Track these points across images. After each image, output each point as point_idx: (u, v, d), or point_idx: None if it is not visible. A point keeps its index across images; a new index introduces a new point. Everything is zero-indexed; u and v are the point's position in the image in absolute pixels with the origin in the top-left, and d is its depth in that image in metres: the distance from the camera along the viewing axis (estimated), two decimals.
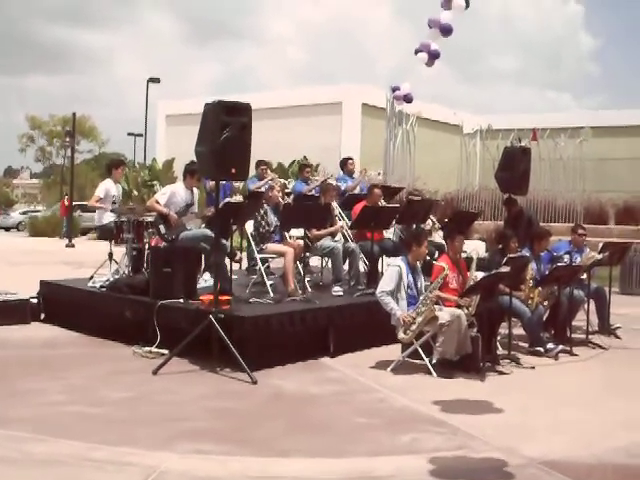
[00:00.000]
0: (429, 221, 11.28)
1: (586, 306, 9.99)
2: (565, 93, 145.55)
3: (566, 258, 9.49)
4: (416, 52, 19.17)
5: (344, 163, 13.04)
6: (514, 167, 10.97)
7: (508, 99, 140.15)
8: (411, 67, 20.82)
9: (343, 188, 12.16)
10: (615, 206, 23.83)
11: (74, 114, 34.00)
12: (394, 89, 21.80)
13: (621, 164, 29.25)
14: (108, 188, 10.66)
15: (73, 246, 26.46)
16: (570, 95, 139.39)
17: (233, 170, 7.59)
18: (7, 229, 47.78)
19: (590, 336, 9.77)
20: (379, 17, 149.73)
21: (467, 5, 17.34)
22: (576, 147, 24.54)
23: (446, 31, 18.55)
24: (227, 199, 10.10)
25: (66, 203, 33.17)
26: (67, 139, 34.88)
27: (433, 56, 19.16)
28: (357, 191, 12.19)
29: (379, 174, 13.05)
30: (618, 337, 10.21)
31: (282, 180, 12.02)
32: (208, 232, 9.20)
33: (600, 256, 9.88)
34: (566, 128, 25.62)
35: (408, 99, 21.61)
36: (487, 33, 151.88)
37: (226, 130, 7.41)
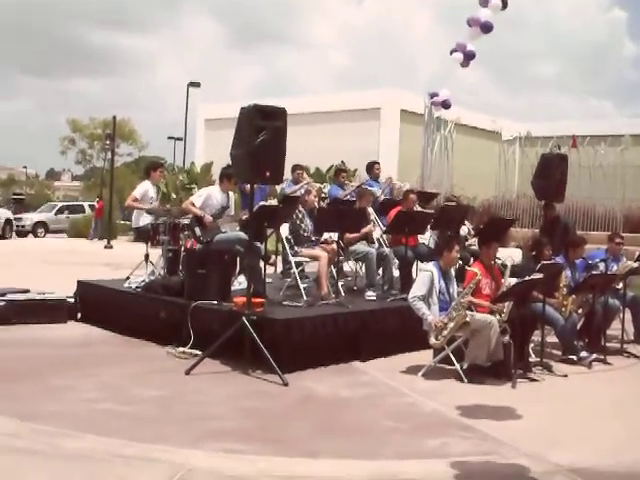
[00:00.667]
0: (465, 227, 11.26)
1: (621, 315, 9.90)
2: (606, 100, 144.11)
3: (601, 266, 9.41)
4: (451, 52, 19.10)
5: (370, 167, 13.05)
6: (551, 174, 10.92)
7: (548, 106, 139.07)
8: (450, 73, 20.79)
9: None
10: None
11: (114, 117, 34.35)
12: (432, 95, 21.79)
13: None
14: (146, 190, 10.76)
15: (111, 247, 26.74)
16: (611, 103, 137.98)
17: (267, 174, 7.65)
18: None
19: (625, 345, 9.69)
20: (420, 22, 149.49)
21: (504, 5, 17.23)
22: (616, 155, 24.31)
23: (487, 28, 18.40)
24: (262, 202, 10.17)
25: (96, 205, 33.81)
26: (107, 142, 35.23)
27: (469, 57, 19.07)
28: (382, 197, 12.15)
29: (405, 184, 13.03)
30: None
31: (317, 184, 12.06)
32: (242, 235, 9.28)
33: (636, 264, 9.80)
34: (606, 136, 25.40)
35: (446, 105, 21.58)
36: (529, 39, 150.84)
37: (261, 134, 7.48)
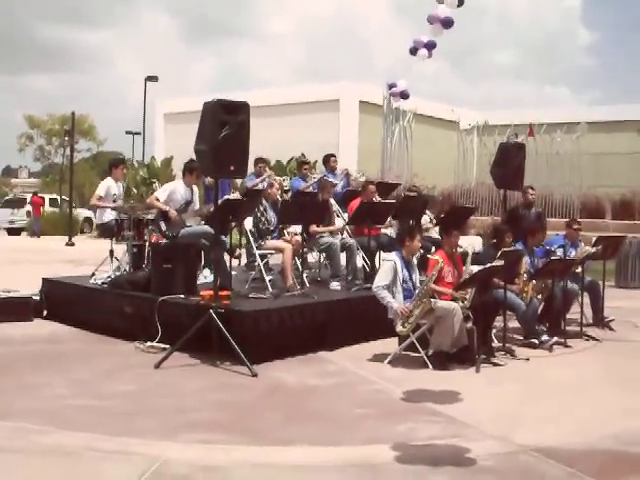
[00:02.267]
0: (426, 217, 11.42)
1: (580, 299, 10.14)
2: (562, 87, 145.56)
3: (560, 252, 9.63)
4: (413, 51, 19.17)
5: (327, 160, 13.17)
6: (508, 163, 11.10)
7: (506, 95, 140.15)
8: (408, 64, 20.88)
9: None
10: (612, 201, 24.01)
11: (73, 113, 34.00)
12: (390, 86, 21.94)
13: (618, 159, 29.35)
14: (109, 186, 10.75)
15: (73, 244, 26.56)
16: (568, 90, 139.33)
17: (232, 168, 7.75)
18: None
19: (584, 328, 9.92)
20: (378, 13, 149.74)
21: (460, 3, 17.37)
22: (573, 142, 24.70)
23: (447, 23, 18.51)
24: (226, 196, 10.24)
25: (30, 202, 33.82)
26: (66, 138, 34.96)
27: (430, 47, 19.16)
28: (339, 189, 12.28)
29: (362, 175, 13.20)
30: (612, 329, 10.37)
31: (279, 178, 12.14)
32: (207, 229, 9.35)
33: (593, 250, 10.04)
34: (563, 123, 25.78)
35: (404, 95, 21.73)
36: (484, 29, 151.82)
37: (225, 128, 7.56)
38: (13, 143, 64.22)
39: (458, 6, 16.98)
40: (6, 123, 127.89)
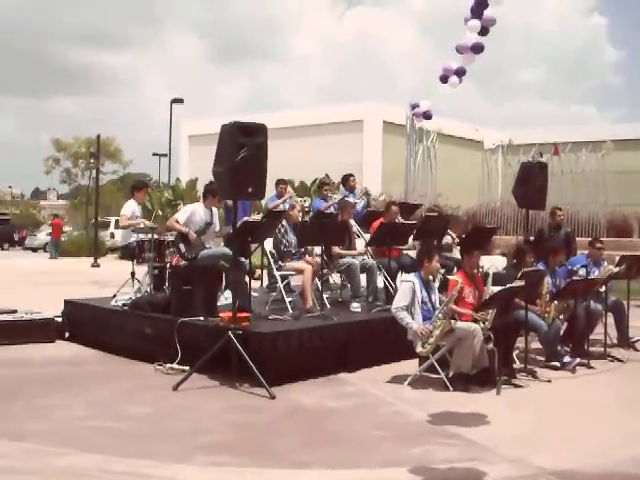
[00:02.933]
0: (448, 237, 11.36)
1: (604, 319, 10.02)
2: (588, 106, 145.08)
3: (582, 272, 9.53)
4: (443, 80, 19.03)
5: (345, 180, 13.13)
6: (531, 182, 11.05)
7: (531, 114, 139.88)
8: (432, 84, 20.86)
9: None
10: (639, 219, 23.77)
11: (98, 136, 34.37)
12: (413, 106, 21.94)
13: None
14: (133, 208, 10.84)
15: (98, 266, 26.76)
16: (594, 108, 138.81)
17: (250, 189, 7.76)
18: (34, 250, 48.38)
19: (609, 349, 9.79)
20: (401, 35, 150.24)
21: (484, 33, 17.35)
22: (598, 160, 24.53)
23: (478, 49, 18.43)
24: (245, 218, 10.26)
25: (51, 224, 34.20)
26: (92, 160, 35.35)
27: (461, 74, 19.10)
28: (359, 208, 12.25)
29: (381, 195, 13.22)
30: (637, 350, 10.24)
31: (300, 199, 12.15)
32: (227, 250, 9.37)
33: (617, 269, 9.94)
34: (588, 142, 25.65)
35: (427, 116, 21.72)
36: (509, 47, 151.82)
37: (242, 150, 7.58)
38: (41, 166, 64.74)
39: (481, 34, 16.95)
40: (34, 146, 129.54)
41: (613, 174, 24.66)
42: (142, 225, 10.46)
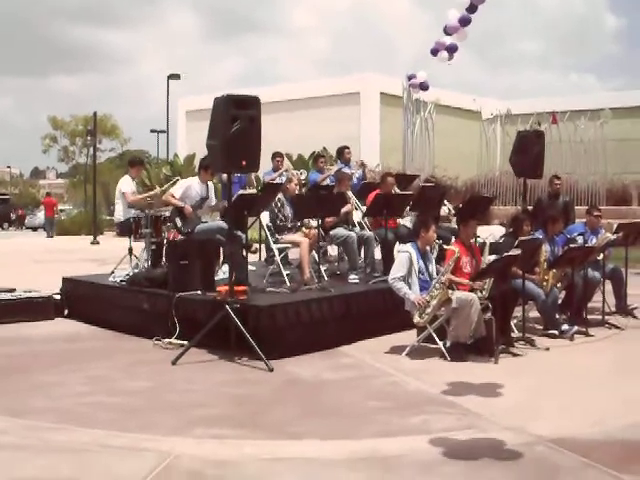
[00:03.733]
0: (445, 207, 11.34)
1: (602, 287, 10.01)
2: (588, 75, 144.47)
3: (580, 240, 9.52)
4: (434, 52, 19.03)
5: (341, 152, 13.12)
6: (528, 151, 11.00)
7: (530, 83, 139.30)
8: (430, 58, 20.77)
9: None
10: (638, 187, 23.74)
11: (95, 113, 34.22)
12: (410, 77, 21.85)
13: None
14: (130, 184, 10.80)
15: (98, 243, 26.77)
16: (593, 77, 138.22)
17: (243, 162, 7.72)
18: (34, 229, 48.43)
19: (607, 317, 9.80)
20: (399, 4, 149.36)
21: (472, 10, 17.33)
22: (597, 129, 24.46)
23: (465, 22, 18.38)
24: (241, 191, 10.23)
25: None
26: (89, 138, 35.24)
27: (452, 50, 19.07)
28: (355, 180, 12.22)
29: (377, 166, 13.20)
30: (635, 317, 10.24)
31: (296, 172, 12.12)
32: (223, 224, 9.35)
33: (614, 237, 9.92)
34: (586, 110, 25.55)
35: (424, 87, 21.66)
36: (508, 16, 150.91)
37: (236, 123, 7.54)
38: (39, 145, 64.49)
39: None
40: (32, 125, 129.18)
41: (612, 142, 24.61)
42: (149, 199, 10.45)
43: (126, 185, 10.77)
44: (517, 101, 33.32)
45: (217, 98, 7.73)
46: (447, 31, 18.34)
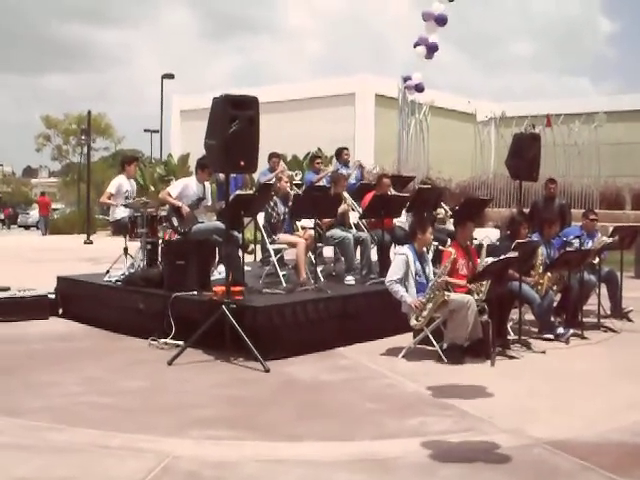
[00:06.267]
0: (441, 209, 11.33)
1: (598, 290, 10.03)
2: (582, 78, 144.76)
3: (576, 243, 9.53)
4: (415, 46, 19.17)
5: (339, 153, 13.14)
6: (523, 154, 11.00)
7: (524, 86, 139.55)
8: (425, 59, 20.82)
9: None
10: (632, 191, 23.77)
11: (89, 112, 34.12)
12: (405, 79, 21.89)
13: (637, 148, 29.02)
14: (121, 184, 10.76)
15: (91, 242, 26.68)
16: (587, 80, 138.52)
17: (242, 163, 7.70)
18: (27, 227, 48.32)
19: (602, 320, 9.82)
20: (394, 6, 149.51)
21: None
22: (591, 132, 24.50)
23: (441, 21, 18.54)
24: (237, 191, 10.21)
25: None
26: (83, 137, 35.18)
27: (431, 49, 19.17)
28: (352, 181, 12.23)
29: (374, 167, 13.22)
30: (630, 320, 10.25)
31: (290, 172, 12.11)
32: (219, 224, 9.33)
33: (610, 240, 9.94)
34: (581, 114, 25.59)
35: (419, 88, 21.67)
36: (502, 19, 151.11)
37: (234, 123, 7.53)
38: (32, 143, 64.37)
39: (450, 0, 16.98)
40: (25, 123, 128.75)
41: (606, 145, 24.64)
42: (118, 207, 10.44)
43: (111, 185, 10.76)
44: (511, 103, 33.35)
45: (216, 98, 7.71)
46: (424, 16, 18.48)
